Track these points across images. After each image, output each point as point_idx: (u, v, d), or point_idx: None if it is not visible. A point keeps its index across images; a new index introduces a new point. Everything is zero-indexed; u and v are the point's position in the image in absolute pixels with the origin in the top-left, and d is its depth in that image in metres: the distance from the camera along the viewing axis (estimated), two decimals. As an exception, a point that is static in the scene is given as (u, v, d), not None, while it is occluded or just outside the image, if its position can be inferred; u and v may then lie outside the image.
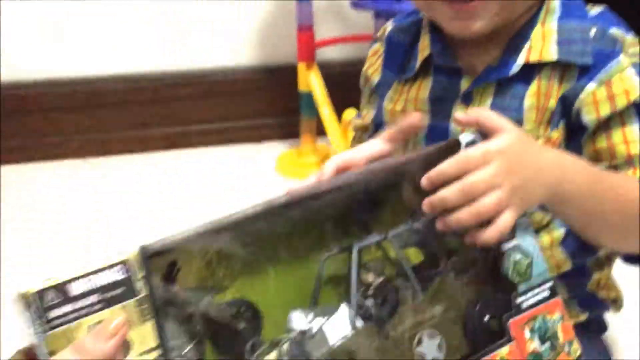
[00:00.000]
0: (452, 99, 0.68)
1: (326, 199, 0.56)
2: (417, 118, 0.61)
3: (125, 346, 0.41)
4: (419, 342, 0.52)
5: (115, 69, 1.88)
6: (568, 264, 0.67)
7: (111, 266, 0.41)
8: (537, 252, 0.57)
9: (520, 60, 0.65)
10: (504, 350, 0.53)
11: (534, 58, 0.65)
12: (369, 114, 0.78)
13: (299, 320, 0.53)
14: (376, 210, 0.57)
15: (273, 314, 0.54)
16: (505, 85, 0.66)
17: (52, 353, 0.39)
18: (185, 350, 0.49)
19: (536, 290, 0.56)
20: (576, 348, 0.57)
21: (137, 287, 0.42)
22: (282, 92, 1.93)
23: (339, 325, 0.51)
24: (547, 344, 0.55)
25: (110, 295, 0.41)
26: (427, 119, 0.67)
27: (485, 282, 0.56)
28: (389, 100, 0.74)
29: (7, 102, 1.79)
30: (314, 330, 0.51)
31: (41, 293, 0.39)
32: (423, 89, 0.71)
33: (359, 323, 0.51)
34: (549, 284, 0.57)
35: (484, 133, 0.56)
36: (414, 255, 0.59)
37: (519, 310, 0.55)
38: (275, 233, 0.57)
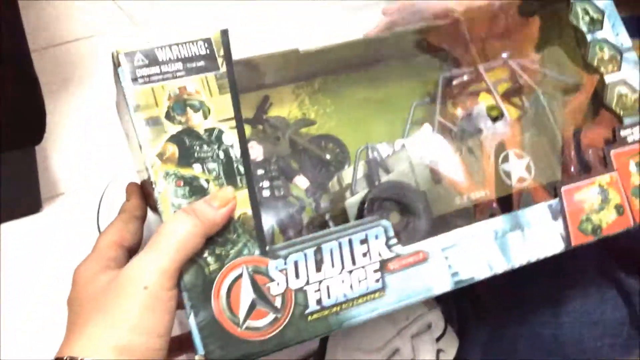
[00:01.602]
0: None
1: (416, 37, 0.56)
2: None
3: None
4: (505, 159, 0.50)
5: None
6: None
7: (195, 41, 0.44)
8: (647, 89, 0.53)
9: None
10: (604, 179, 0.49)
11: None
12: None
13: (384, 148, 0.53)
14: (467, 46, 0.56)
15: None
16: None
17: (137, 107, 0.42)
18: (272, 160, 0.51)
19: (645, 126, 0.52)
20: (694, 191, 0.51)
21: (218, 62, 0.44)
22: None
23: (421, 142, 0.51)
24: (657, 181, 0.50)
25: (193, 66, 0.44)
26: None
27: (588, 115, 0.53)
28: None
29: None
30: (396, 149, 0.51)
31: (130, 54, 0.43)
32: None
33: (440, 139, 0.50)
34: (660, 122, 0.52)
35: None
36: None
37: (623, 142, 0.51)
38: (370, 76, 0.58)
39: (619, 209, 0.49)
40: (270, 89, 0.57)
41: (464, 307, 0.66)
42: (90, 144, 0.80)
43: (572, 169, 0.50)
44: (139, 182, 0.49)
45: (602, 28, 0.53)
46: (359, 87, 0.58)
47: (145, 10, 1.06)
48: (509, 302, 0.62)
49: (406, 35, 0.58)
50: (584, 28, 0.53)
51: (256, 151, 0.48)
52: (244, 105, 0.55)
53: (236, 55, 0.46)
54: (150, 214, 0.48)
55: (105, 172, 0.73)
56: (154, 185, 0.41)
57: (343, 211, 0.48)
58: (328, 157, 0.55)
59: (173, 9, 1.13)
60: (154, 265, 0.37)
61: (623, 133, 0.51)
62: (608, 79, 0.52)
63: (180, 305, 0.41)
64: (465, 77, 0.55)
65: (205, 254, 0.41)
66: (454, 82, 0.55)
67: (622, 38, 0.53)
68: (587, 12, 0.53)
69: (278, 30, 0.51)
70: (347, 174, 0.51)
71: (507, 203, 0.48)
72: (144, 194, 0.48)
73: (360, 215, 0.46)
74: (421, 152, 0.50)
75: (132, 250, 0.45)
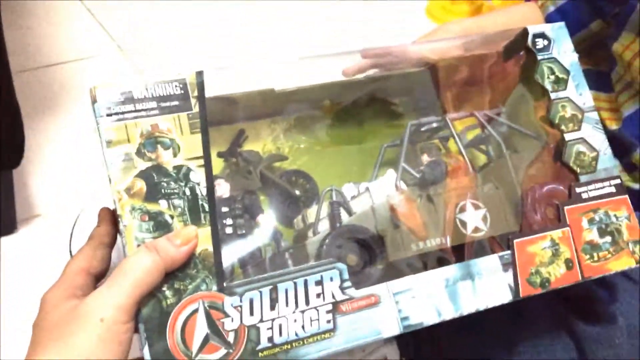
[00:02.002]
0: None
1: (393, 81, 0.59)
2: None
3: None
4: (462, 209, 0.52)
5: None
6: None
7: (171, 81, 0.46)
8: (605, 149, 0.55)
9: None
10: (556, 233, 0.51)
11: None
12: None
13: (350, 189, 0.55)
14: (437, 95, 0.59)
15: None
16: None
17: (109, 142, 0.44)
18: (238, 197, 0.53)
19: (600, 184, 0.54)
20: (643, 249, 0.53)
21: (191, 103, 0.46)
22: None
23: (384, 186, 0.53)
24: (608, 238, 0.52)
25: (167, 105, 0.46)
26: None
27: (547, 170, 0.55)
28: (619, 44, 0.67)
29: None
30: (361, 192, 0.53)
31: (107, 90, 0.45)
32: None
33: (403, 186, 0.52)
34: (616, 181, 0.54)
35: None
36: (479, 158, 0.60)
37: (578, 199, 0.53)
38: (345, 116, 0.60)
39: (569, 264, 0.51)
40: (247, 123, 0.59)
41: (420, 342, 0.68)
42: (69, 167, 0.82)
43: (527, 222, 0.52)
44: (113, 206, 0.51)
45: (566, 88, 0.55)
46: (333, 126, 0.61)
47: (133, 37, 1.08)
48: (464, 341, 0.64)
49: (382, 79, 0.60)
50: (548, 87, 0.55)
51: (223, 188, 0.50)
52: (221, 137, 0.57)
53: (215, 92, 0.49)
54: (120, 239, 0.50)
55: (82, 196, 0.75)
56: (119, 219, 0.43)
57: (304, 250, 0.50)
58: (297, 192, 0.57)
59: (160, 38, 1.16)
60: (112, 300, 0.39)
61: (578, 190, 0.53)
62: (568, 136, 0.54)
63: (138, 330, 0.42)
64: (435, 125, 0.57)
65: (164, 288, 0.42)
66: (423, 129, 0.57)
67: (585, 98, 0.56)
68: (552, 72, 0.55)
69: (256, 70, 0.53)
70: (311, 213, 0.53)
71: (460, 252, 0.50)
72: (115, 220, 0.49)
73: (319, 255, 0.48)
74: (383, 196, 0.52)
75: (99, 277, 0.46)
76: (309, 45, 1.58)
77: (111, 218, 0.49)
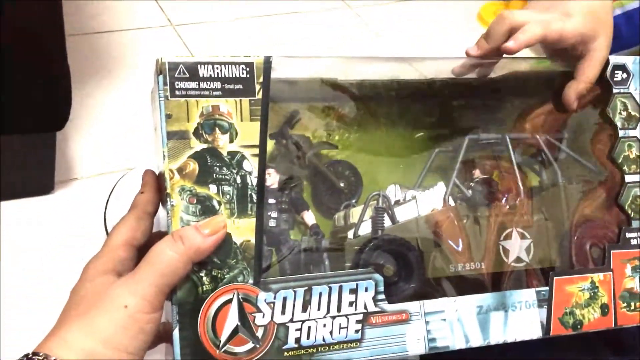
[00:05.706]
0: None
1: (458, 91, 0.57)
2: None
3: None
4: (507, 236, 0.51)
5: None
6: None
7: (238, 63, 0.45)
8: (664, 196, 0.53)
9: None
10: (597, 276, 0.50)
11: None
12: None
13: (395, 191, 0.54)
14: (501, 113, 0.57)
15: (373, 186, 0.56)
16: None
17: (169, 117, 0.43)
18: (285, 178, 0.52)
19: (652, 233, 0.52)
20: (681, 306, 0.52)
21: (255, 89, 0.45)
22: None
23: (431, 199, 0.51)
24: (649, 289, 0.51)
25: (231, 88, 0.45)
26: None
27: (599, 209, 0.53)
28: None
29: None
30: (407, 199, 0.52)
31: (173, 64, 0.44)
32: None
33: (451, 202, 0.51)
34: (668, 232, 0.53)
35: None
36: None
37: (626, 244, 0.51)
38: (400, 112, 0.58)
39: (604, 309, 0.50)
40: (301, 104, 0.57)
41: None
42: (111, 135, 0.81)
43: (570, 259, 0.51)
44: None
45: (636, 127, 0.53)
46: (387, 121, 0.59)
47: (184, 13, 1.05)
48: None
49: (445, 85, 0.58)
50: (618, 123, 0.53)
51: (272, 178, 0.49)
52: (273, 117, 0.56)
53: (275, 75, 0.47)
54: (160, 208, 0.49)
55: (121, 165, 0.75)
56: (168, 198, 0.43)
57: (341, 251, 0.50)
58: (342, 184, 0.56)
59: (210, 14, 1.12)
60: (136, 289, 0.39)
61: (628, 235, 0.52)
62: (628, 178, 0.52)
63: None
64: (492, 140, 0.55)
65: (202, 273, 0.42)
66: (480, 142, 0.56)
67: (654, 140, 0.54)
68: (625, 107, 0.53)
69: (322, 63, 0.52)
70: (354, 213, 0.52)
71: (497, 279, 0.49)
72: (158, 186, 0.49)
73: (357, 260, 0.48)
74: (429, 210, 0.51)
75: (142, 248, 0.46)
76: (358, 48, 1.55)
77: (155, 184, 0.49)
